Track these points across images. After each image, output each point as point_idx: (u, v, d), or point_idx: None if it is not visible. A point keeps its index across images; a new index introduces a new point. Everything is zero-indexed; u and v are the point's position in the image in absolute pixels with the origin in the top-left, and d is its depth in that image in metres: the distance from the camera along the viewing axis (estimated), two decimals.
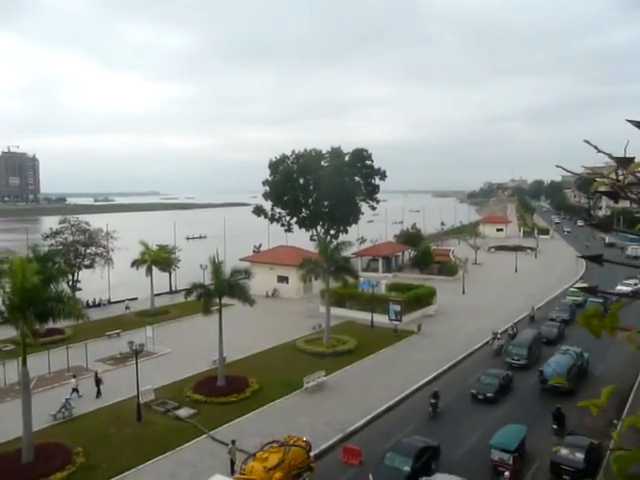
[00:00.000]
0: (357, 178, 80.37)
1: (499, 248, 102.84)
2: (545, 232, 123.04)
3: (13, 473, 22.73)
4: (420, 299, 51.78)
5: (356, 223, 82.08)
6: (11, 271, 23.85)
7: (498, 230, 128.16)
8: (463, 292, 61.80)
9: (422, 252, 76.36)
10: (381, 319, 47.32)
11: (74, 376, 33.52)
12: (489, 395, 30.54)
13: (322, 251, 43.20)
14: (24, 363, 24.23)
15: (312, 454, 23.10)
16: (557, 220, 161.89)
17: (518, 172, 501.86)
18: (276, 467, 20.39)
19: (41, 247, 53.57)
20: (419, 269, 74.82)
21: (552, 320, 46.23)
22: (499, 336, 40.88)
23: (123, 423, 28.16)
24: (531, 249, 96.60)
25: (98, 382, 32.32)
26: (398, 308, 46.68)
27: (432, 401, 28.75)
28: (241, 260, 61.25)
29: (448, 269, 73.99)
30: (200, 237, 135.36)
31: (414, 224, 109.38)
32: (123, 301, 59.36)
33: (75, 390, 31.78)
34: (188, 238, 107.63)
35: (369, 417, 28.75)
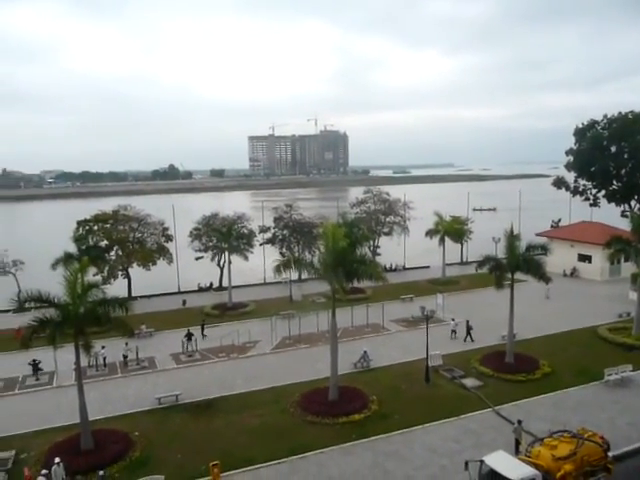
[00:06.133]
0: None
1: None
2: None
3: (323, 406, 26.81)
4: None
5: None
6: (325, 235, 27.76)
7: None
8: None
9: None
10: None
11: (452, 319, 38.84)
12: None
13: (636, 229, 37.63)
14: (333, 315, 28.06)
15: (610, 454, 20.83)
16: None
17: None
18: (567, 458, 19.05)
19: (348, 214, 60.62)
20: None
21: None
22: None
23: (412, 381, 30.19)
24: None
25: (468, 328, 36.95)
26: None
27: None
28: (537, 235, 57.81)
29: None
30: (489, 209, 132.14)
31: None
32: (418, 268, 62.68)
33: (453, 331, 37.57)
34: (475, 209, 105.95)
35: None
